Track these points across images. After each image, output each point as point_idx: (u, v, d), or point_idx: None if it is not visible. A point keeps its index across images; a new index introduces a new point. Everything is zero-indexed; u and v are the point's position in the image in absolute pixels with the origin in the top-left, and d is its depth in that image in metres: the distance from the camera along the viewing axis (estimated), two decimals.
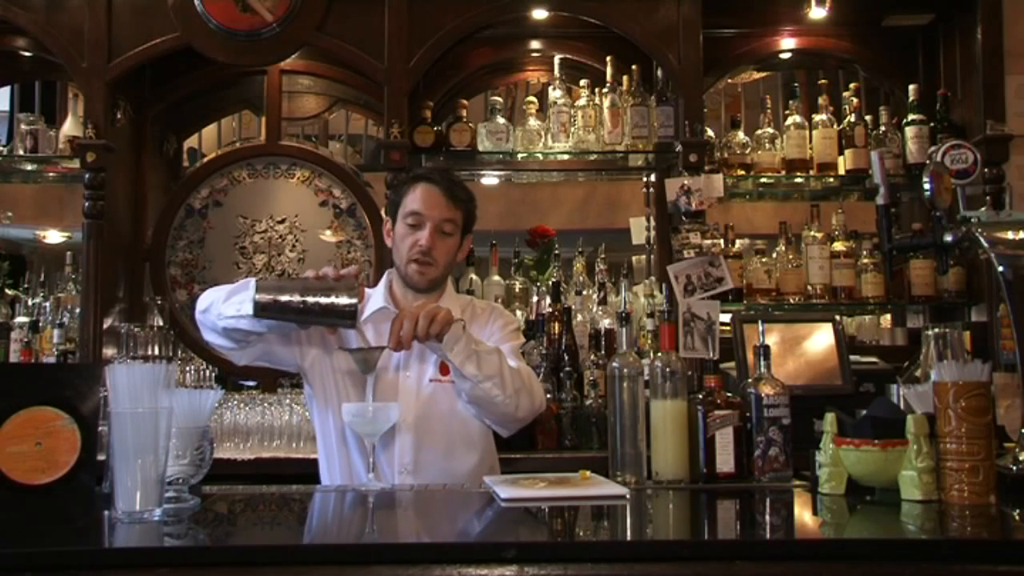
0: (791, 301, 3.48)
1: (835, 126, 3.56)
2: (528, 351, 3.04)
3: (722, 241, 3.44)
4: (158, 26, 3.30)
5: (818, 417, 1.88)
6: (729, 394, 1.98)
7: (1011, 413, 2.11)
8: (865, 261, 3.50)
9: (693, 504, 1.83)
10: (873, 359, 3.18)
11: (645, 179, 3.76)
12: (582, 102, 3.42)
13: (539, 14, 3.46)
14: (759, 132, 3.60)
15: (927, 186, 1.94)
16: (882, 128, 3.54)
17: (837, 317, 3.13)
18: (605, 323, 3.33)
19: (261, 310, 1.90)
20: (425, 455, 2.14)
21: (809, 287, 3.50)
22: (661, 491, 1.89)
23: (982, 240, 1.91)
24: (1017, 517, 1.63)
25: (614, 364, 1.99)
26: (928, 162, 2.17)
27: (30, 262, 4.44)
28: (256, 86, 3.73)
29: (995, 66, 3.36)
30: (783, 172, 3.58)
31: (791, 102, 3.67)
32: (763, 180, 3.63)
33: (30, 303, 3.56)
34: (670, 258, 3.26)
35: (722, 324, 3.19)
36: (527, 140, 3.46)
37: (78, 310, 3.34)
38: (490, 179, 4.05)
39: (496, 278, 3.61)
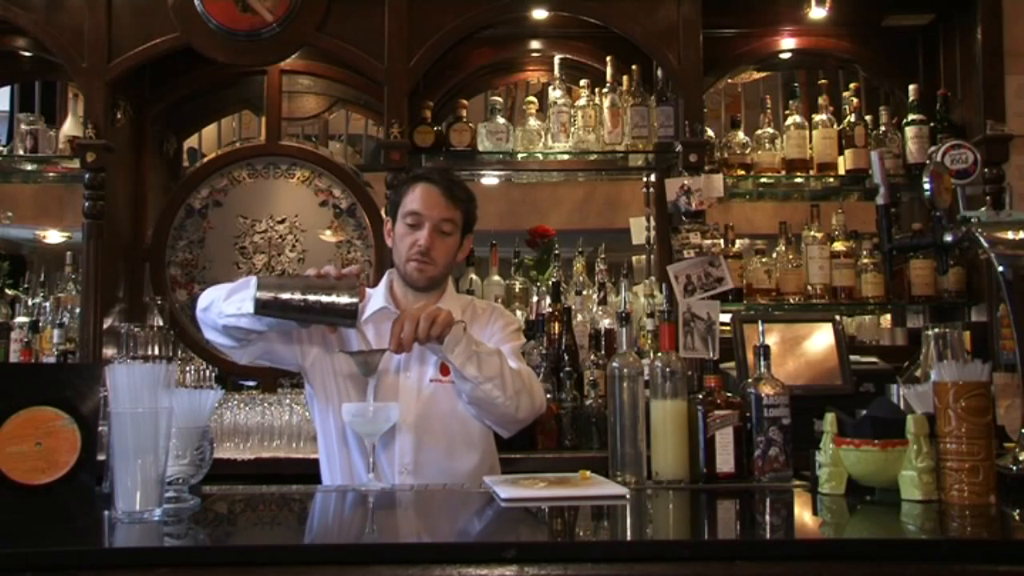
0: (791, 301, 3.48)
1: (835, 126, 3.56)
2: (528, 351, 3.04)
3: (722, 241, 3.44)
4: (158, 26, 3.30)
5: (818, 417, 1.88)
6: (729, 394, 1.98)
7: (1011, 413, 2.11)
8: (865, 261, 3.50)
9: (693, 504, 1.83)
10: (873, 359, 3.17)
11: (645, 179, 3.76)
12: (582, 102, 3.42)
13: (539, 14, 3.46)
14: (759, 132, 3.60)
15: (927, 186, 1.94)
16: (882, 128, 3.54)
17: (837, 317, 3.13)
18: (605, 323, 3.33)
19: (262, 307, 1.90)
20: (425, 455, 2.14)
21: (809, 287, 3.50)
22: (661, 491, 1.89)
23: (982, 240, 1.91)
24: (1017, 517, 1.63)
25: (614, 364, 1.99)
26: (928, 162, 2.17)
27: (30, 262, 4.44)
28: (256, 86, 3.73)
29: (995, 66, 3.36)
30: (783, 172, 3.58)
31: (791, 102, 3.67)
32: (763, 180, 3.63)
33: (30, 303, 3.56)
34: (670, 258, 3.26)
35: (722, 324, 3.19)
36: (527, 140, 3.46)
37: (78, 310, 3.34)
38: (490, 179, 4.04)
39: (496, 278, 3.61)
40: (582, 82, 3.46)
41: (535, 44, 3.73)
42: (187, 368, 3.22)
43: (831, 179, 3.59)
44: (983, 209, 2.05)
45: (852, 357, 3.01)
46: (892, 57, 3.70)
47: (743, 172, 3.56)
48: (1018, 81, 3.44)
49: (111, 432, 1.55)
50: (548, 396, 2.98)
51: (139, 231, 3.63)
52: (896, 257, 3.16)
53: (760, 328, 2.04)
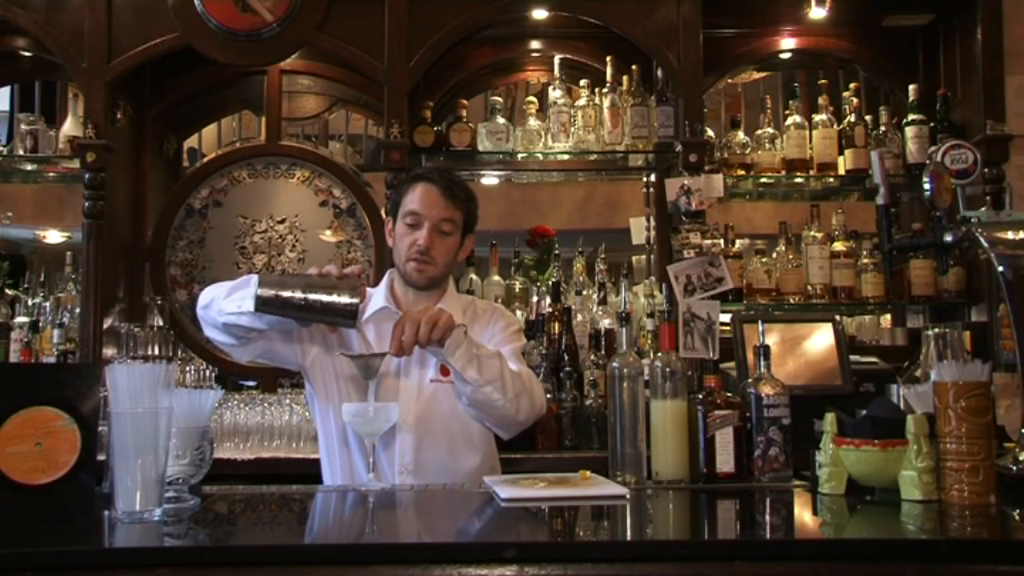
0: (791, 301, 3.48)
1: (835, 126, 3.56)
2: (528, 351, 3.04)
3: (722, 241, 3.44)
4: (158, 26, 3.30)
5: (818, 417, 1.88)
6: (729, 394, 1.98)
7: (1011, 413, 2.11)
8: (865, 261, 3.50)
9: (693, 504, 1.83)
10: (873, 359, 3.17)
11: (645, 179, 3.76)
12: (582, 102, 3.42)
13: (539, 14, 3.46)
14: (759, 132, 3.60)
15: (927, 186, 1.94)
16: (882, 128, 3.54)
17: (837, 317, 3.13)
18: (605, 323, 3.33)
19: (262, 304, 1.90)
20: (426, 455, 2.14)
21: (809, 287, 3.50)
22: (661, 491, 1.89)
23: (982, 240, 1.91)
24: (1017, 517, 1.63)
25: (614, 364, 1.99)
26: (928, 162, 2.17)
27: (30, 262, 4.44)
28: (256, 86, 3.73)
29: (995, 66, 3.36)
30: (783, 172, 3.58)
31: (791, 102, 3.67)
32: (763, 180, 3.63)
33: (30, 303, 3.56)
34: (670, 258, 3.26)
35: (722, 324, 3.19)
36: (527, 140, 3.46)
37: (78, 310, 3.34)
38: (490, 179, 4.04)
39: (496, 278, 3.61)
40: (582, 82, 3.46)
41: (535, 44, 3.73)
42: (187, 368, 3.22)
43: (831, 179, 3.59)
44: (983, 209, 2.04)
45: (852, 357, 3.01)
46: (892, 57, 3.70)
47: (743, 172, 3.57)
48: (1018, 81, 3.45)
49: (111, 432, 1.55)
50: (548, 396, 2.98)
51: (139, 231, 3.63)
52: (896, 257, 3.16)
53: (760, 328, 2.04)
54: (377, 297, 2.26)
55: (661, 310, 2.33)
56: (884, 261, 3.25)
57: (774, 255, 3.55)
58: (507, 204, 5.41)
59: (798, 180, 3.61)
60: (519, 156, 3.51)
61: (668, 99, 3.36)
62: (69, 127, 3.57)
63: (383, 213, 3.46)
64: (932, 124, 3.49)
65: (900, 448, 1.70)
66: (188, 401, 1.69)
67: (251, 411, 3.09)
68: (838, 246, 3.51)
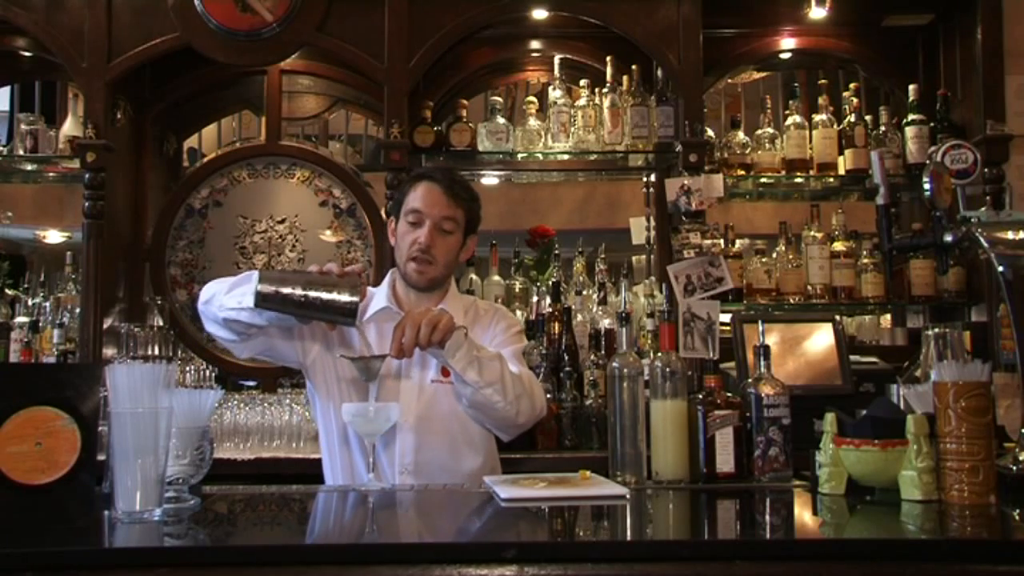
0: (791, 301, 3.48)
1: (835, 126, 3.56)
2: (528, 351, 3.04)
3: (722, 241, 3.44)
4: (158, 26, 3.30)
5: (818, 417, 1.88)
6: (729, 394, 1.98)
7: (1011, 413, 2.11)
8: (865, 261, 3.50)
9: (693, 504, 1.83)
10: (873, 359, 3.17)
11: (645, 179, 3.76)
12: (582, 102, 3.42)
13: (539, 14, 3.47)
14: (759, 132, 3.60)
15: (927, 186, 1.94)
16: (882, 128, 3.54)
17: (837, 317, 3.13)
18: (605, 323, 3.33)
19: (262, 300, 1.90)
20: (426, 455, 2.14)
21: (809, 287, 3.50)
22: (661, 491, 1.89)
23: (982, 240, 1.91)
24: (1017, 517, 1.63)
25: (614, 364, 1.99)
26: (928, 162, 2.17)
27: (30, 262, 4.44)
28: (256, 86, 3.73)
29: (995, 66, 3.36)
30: (783, 172, 3.58)
31: (791, 102, 3.67)
32: (763, 180, 3.63)
33: (30, 303, 3.56)
34: (670, 258, 3.26)
35: (722, 324, 3.19)
36: (527, 140, 3.46)
37: (78, 310, 3.34)
38: (490, 179, 4.05)
39: (496, 278, 3.61)
40: (582, 82, 3.46)
41: (535, 44, 3.73)
42: (187, 368, 3.22)
43: (831, 179, 3.59)
44: (983, 209, 2.04)
45: (852, 357, 3.01)
46: (892, 57, 3.70)
47: (743, 172, 3.57)
48: (1018, 81, 3.45)
49: (111, 432, 1.55)
50: (548, 396, 2.97)
51: (139, 231, 3.63)
52: (896, 257, 3.16)
53: (760, 328, 2.04)
54: (379, 297, 2.26)
55: (661, 310, 2.33)
56: (884, 261, 3.25)
57: (774, 255, 3.55)
58: (507, 204, 5.41)
59: (798, 180, 3.61)
60: (519, 156, 3.51)
61: (668, 99, 3.36)
62: (69, 127, 3.57)
63: (383, 213, 3.46)
64: (932, 124, 3.49)
65: (900, 448, 1.70)
66: (188, 401, 1.69)
67: (251, 411, 3.08)
68: (838, 246, 3.51)
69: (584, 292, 3.45)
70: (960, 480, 1.63)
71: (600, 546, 1.45)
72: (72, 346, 3.33)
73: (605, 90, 3.40)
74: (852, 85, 3.64)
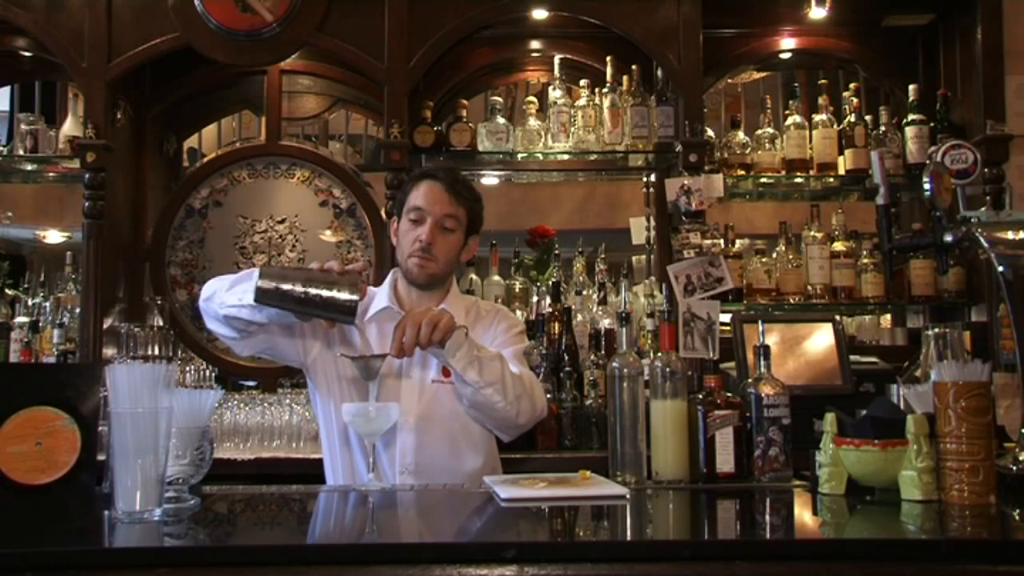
0: (791, 301, 3.48)
1: (835, 126, 3.56)
2: (528, 351, 3.03)
3: (722, 241, 3.44)
4: (158, 26, 3.30)
5: (818, 417, 1.88)
6: (729, 394, 1.98)
7: (1011, 413, 2.11)
8: (865, 261, 3.50)
9: (693, 504, 1.83)
10: (873, 359, 3.17)
11: (645, 179, 3.76)
12: (582, 102, 3.42)
13: (539, 14, 3.46)
14: (759, 132, 3.60)
15: (927, 186, 1.94)
16: (882, 128, 3.54)
17: (837, 317, 3.13)
18: (605, 323, 3.33)
19: (262, 296, 1.90)
20: (426, 455, 2.14)
21: (809, 287, 3.50)
22: (661, 491, 1.89)
23: (982, 240, 1.91)
24: (1017, 517, 1.63)
25: (614, 364, 1.99)
26: (928, 162, 2.17)
27: (30, 262, 4.45)
28: (256, 86, 3.73)
29: (995, 66, 3.36)
30: (783, 172, 3.58)
31: (791, 102, 3.67)
32: (763, 180, 3.63)
33: (30, 303, 3.56)
34: (670, 258, 3.26)
35: (722, 324, 3.19)
36: (527, 140, 3.46)
37: (78, 310, 3.34)
38: (490, 179, 4.04)
39: (496, 278, 3.61)
40: (582, 82, 3.46)
41: (535, 44, 3.73)
42: (187, 368, 3.22)
43: (831, 179, 3.59)
44: (983, 209, 2.04)
45: (852, 357, 3.01)
46: (892, 57, 3.70)
47: (743, 172, 3.57)
48: (1018, 81, 3.45)
49: (111, 432, 1.55)
50: (548, 396, 2.97)
51: (139, 231, 3.63)
52: (896, 257, 3.16)
53: (760, 328, 2.04)
54: (380, 296, 2.26)
55: (661, 310, 2.33)
56: (884, 261, 3.24)
57: (774, 255, 3.55)
58: (507, 204, 5.41)
59: (798, 180, 3.61)
60: (519, 156, 3.51)
61: (668, 99, 3.36)
62: (69, 127, 3.57)
63: (383, 213, 3.46)
64: (932, 124, 3.49)
65: (900, 448, 1.70)
66: (188, 401, 1.69)
67: (251, 411, 3.08)
68: (838, 246, 3.51)
69: (584, 292, 3.45)
70: (960, 480, 1.63)
71: (600, 546, 1.45)
72: (72, 346, 3.33)
73: (605, 90, 3.40)
74: (852, 85, 3.64)
